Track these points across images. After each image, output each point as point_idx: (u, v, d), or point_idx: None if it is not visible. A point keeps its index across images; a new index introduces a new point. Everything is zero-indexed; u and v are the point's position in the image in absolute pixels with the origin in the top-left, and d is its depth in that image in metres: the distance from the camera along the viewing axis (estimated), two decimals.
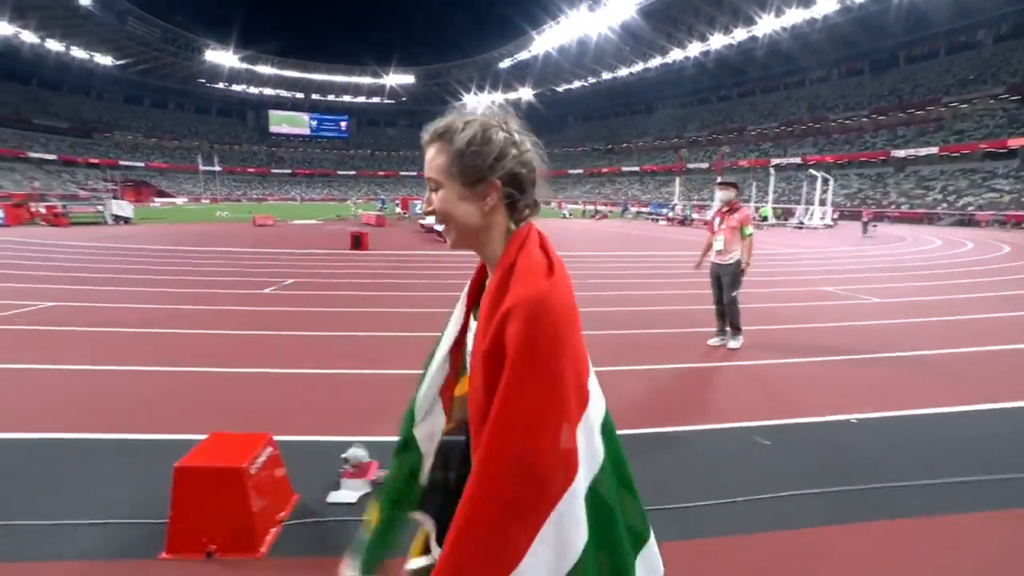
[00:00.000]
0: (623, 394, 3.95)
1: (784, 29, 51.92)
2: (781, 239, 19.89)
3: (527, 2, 64.42)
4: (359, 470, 2.56)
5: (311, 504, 2.45)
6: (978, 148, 40.58)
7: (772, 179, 37.05)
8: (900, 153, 45.64)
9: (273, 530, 2.20)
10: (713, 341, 5.27)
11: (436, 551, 0.91)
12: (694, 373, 4.56)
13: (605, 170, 78.87)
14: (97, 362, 4.44)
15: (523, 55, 75.89)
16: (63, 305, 6.64)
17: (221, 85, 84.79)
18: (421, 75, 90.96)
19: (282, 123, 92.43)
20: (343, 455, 2.57)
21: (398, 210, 29.89)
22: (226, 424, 2.75)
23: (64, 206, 24.15)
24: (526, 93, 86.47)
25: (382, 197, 44.25)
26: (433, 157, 0.86)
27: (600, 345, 5.19)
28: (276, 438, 2.40)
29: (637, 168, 73.41)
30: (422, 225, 20.13)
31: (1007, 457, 3.01)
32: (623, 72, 73.24)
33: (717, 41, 58.16)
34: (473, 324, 0.91)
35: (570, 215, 37.13)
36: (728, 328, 5.22)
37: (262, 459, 2.18)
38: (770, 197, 35.94)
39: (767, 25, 52.00)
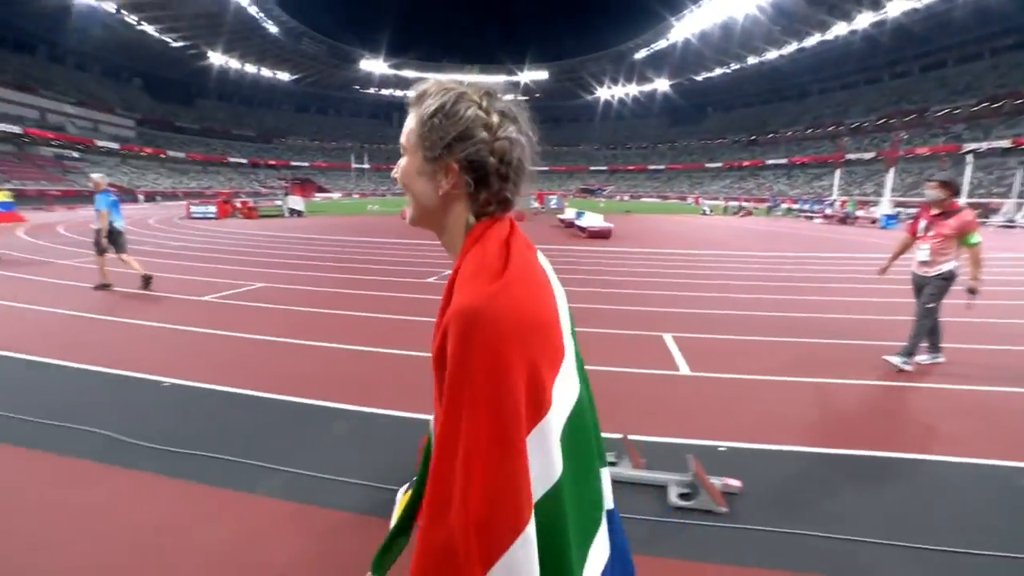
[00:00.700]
0: (821, 410, 3.56)
1: None
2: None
3: None
4: None
5: None
6: None
7: (969, 169, 30.93)
8: None
9: None
10: (923, 358, 4.53)
11: None
12: (897, 393, 3.96)
13: (747, 163, 72.73)
14: (296, 336, 5.14)
15: (660, 44, 72.81)
16: (270, 286, 7.83)
17: (371, 90, 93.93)
18: (555, 71, 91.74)
19: None
20: None
21: (534, 204, 30.44)
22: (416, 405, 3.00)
23: (255, 202, 28.72)
24: (662, 84, 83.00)
25: None
26: (407, 121, 0.80)
27: (775, 354, 4.76)
28: None
29: (784, 160, 66.53)
30: (561, 220, 20.30)
31: None
32: (772, 55, 66.66)
33: (897, 6, 50.10)
34: None
35: (710, 211, 34.80)
36: (928, 343, 4.49)
37: None
38: (965, 188, 30.11)
39: None
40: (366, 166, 78.15)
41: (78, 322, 5.70)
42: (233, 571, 2.04)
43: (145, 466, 2.77)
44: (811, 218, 29.74)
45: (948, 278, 4.27)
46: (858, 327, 5.83)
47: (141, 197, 47.30)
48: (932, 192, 4.40)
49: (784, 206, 39.09)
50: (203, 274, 8.79)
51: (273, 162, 79.48)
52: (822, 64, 65.83)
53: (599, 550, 0.81)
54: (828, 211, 29.12)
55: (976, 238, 4.22)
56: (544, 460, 0.68)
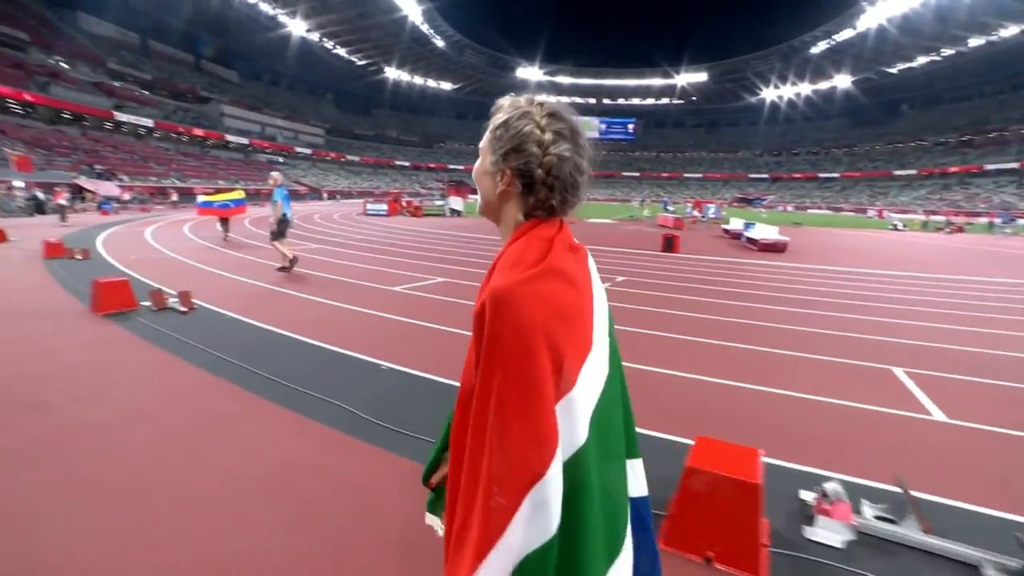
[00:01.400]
0: None
1: None
2: None
3: None
4: (835, 509, 2.23)
5: (783, 532, 2.24)
6: None
7: None
8: None
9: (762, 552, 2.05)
10: None
11: None
12: None
13: (954, 169, 60.53)
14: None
15: (845, 34, 63.84)
16: (449, 282, 8.33)
17: None
18: (715, 72, 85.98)
19: None
20: (820, 487, 2.28)
21: (692, 212, 28.60)
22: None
23: (421, 202, 31.44)
24: (842, 80, 73.07)
25: (664, 199, 43.56)
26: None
27: None
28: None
29: (1015, 164, 53.87)
30: (725, 230, 18.87)
31: None
32: (1010, 31, 53.36)
33: None
34: None
35: (904, 226, 29.47)
36: None
37: (762, 476, 2.04)
38: None
39: None
40: None
41: (297, 302, 6.61)
42: None
43: (380, 442, 2.99)
44: None
45: None
46: None
47: (325, 195, 54.85)
48: None
49: (1021, 222, 31.62)
50: (389, 266, 9.71)
51: (433, 165, 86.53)
52: None
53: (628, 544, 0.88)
54: None
55: None
56: (568, 429, 0.78)
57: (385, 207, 27.15)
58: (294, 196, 48.90)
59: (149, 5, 51.54)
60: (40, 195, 22.25)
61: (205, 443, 2.95)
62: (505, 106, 0.92)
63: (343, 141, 78.36)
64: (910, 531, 2.21)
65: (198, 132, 51.48)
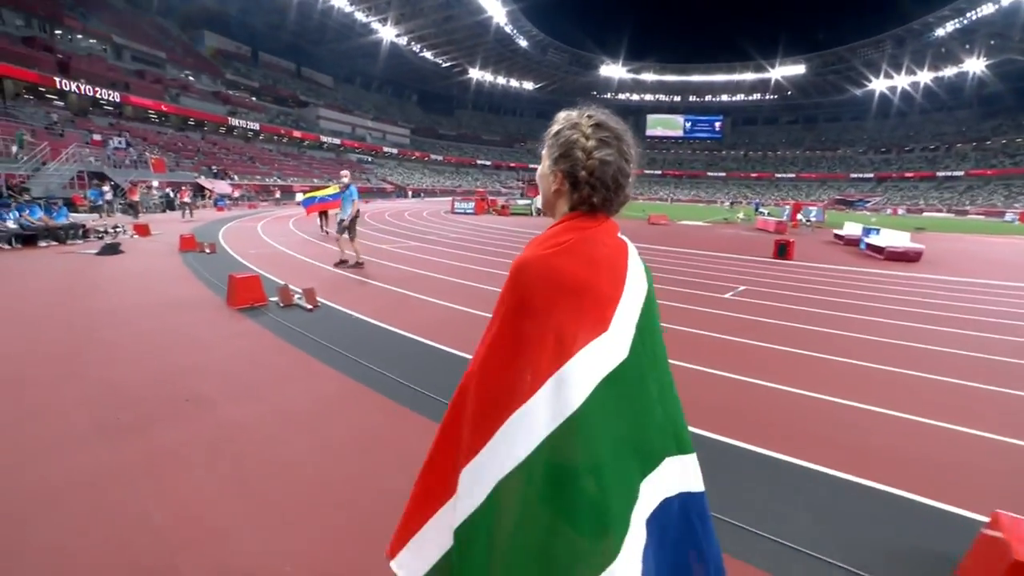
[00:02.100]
0: None
1: None
2: None
3: None
4: None
5: None
6: None
7: None
8: None
9: None
10: None
11: None
12: None
13: None
14: None
15: (982, 10, 56.21)
16: None
17: (608, 95, 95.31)
18: (815, 63, 79.37)
19: (657, 126, 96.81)
20: None
21: (803, 217, 26.20)
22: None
23: (508, 200, 31.58)
24: (975, 65, 64.55)
25: (756, 200, 40.84)
26: None
27: None
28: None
29: None
30: (837, 235, 17.17)
31: None
32: None
33: None
34: None
35: None
36: None
37: None
38: None
39: None
40: None
41: (416, 303, 6.59)
42: None
43: None
44: None
45: None
46: None
47: (410, 193, 56.88)
48: None
49: None
50: (491, 266, 9.59)
51: (513, 164, 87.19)
52: None
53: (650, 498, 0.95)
54: None
55: None
56: (559, 398, 0.87)
57: (472, 206, 27.52)
58: (382, 195, 51.20)
59: (260, 19, 55.96)
60: (171, 193, 24.75)
61: (367, 460, 2.84)
62: (560, 119, 1.06)
63: (427, 141, 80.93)
64: None
65: (297, 134, 55.25)
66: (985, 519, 2.21)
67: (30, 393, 3.47)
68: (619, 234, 1.05)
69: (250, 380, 3.84)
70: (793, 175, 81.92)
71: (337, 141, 60.76)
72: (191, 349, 4.48)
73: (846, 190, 73.67)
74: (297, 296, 6.27)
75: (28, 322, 5.20)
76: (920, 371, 4.55)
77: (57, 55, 34.18)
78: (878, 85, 77.16)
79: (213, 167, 35.96)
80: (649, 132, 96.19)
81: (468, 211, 27.04)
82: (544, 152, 1.08)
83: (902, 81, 74.62)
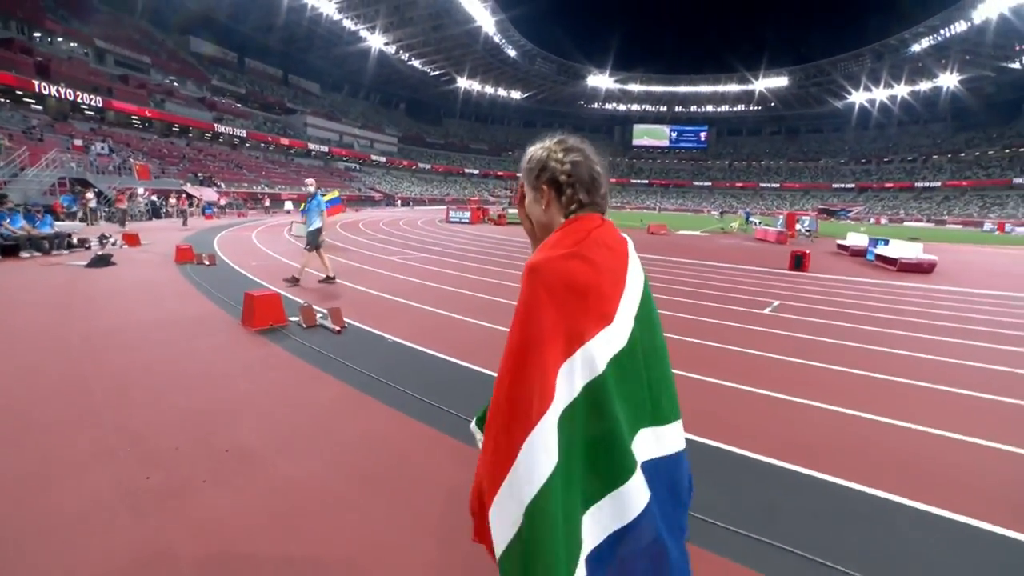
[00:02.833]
0: None
1: None
2: None
3: None
4: None
5: None
6: None
7: None
8: None
9: None
10: None
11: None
12: None
13: None
14: None
15: (956, 28, 57.99)
16: None
17: (595, 105, 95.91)
18: (797, 76, 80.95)
19: (644, 136, 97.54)
20: None
21: (800, 227, 26.04)
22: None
23: (504, 209, 31.17)
24: (949, 80, 66.48)
25: (746, 210, 41.11)
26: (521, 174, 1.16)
27: None
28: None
29: None
30: (841, 246, 17.09)
31: None
32: None
33: None
34: None
35: None
36: None
37: None
38: None
39: None
40: None
41: (449, 322, 6.10)
42: None
43: None
44: None
45: None
46: None
47: (399, 201, 56.21)
48: None
49: None
50: (506, 279, 9.13)
51: (501, 173, 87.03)
52: None
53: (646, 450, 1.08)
54: None
55: None
56: (567, 387, 0.94)
57: (468, 215, 27.07)
58: (370, 202, 50.48)
59: (248, 25, 55.06)
60: (156, 200, 23.83)
61: (472, 547, 2.35)
62: (529, 150, 1.16)
63: (415, 149, 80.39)
64: None
65: (284, 141, 54.34)
66: None
67: (37, 445, 2.90)
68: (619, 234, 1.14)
69: (294, 423, 3.31)
70: (777, 185, 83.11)
71: (325, 149, 59.98)
72: (216, 383, 3.94)
73: (829, 200, 74.94)
74: (320, 316, 5.75)
75: (23, 345, 4.60)
76: (982, 392, 4.21)
77: (36, 58, 33.02)
78: (858, 98, 78.99)
79: (199, 174, 34.98)
80: (635, 142, 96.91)
81: (463, 220, 26.58)
82: (523, 180, 1.17)
83: (880, 94, 76.48)
